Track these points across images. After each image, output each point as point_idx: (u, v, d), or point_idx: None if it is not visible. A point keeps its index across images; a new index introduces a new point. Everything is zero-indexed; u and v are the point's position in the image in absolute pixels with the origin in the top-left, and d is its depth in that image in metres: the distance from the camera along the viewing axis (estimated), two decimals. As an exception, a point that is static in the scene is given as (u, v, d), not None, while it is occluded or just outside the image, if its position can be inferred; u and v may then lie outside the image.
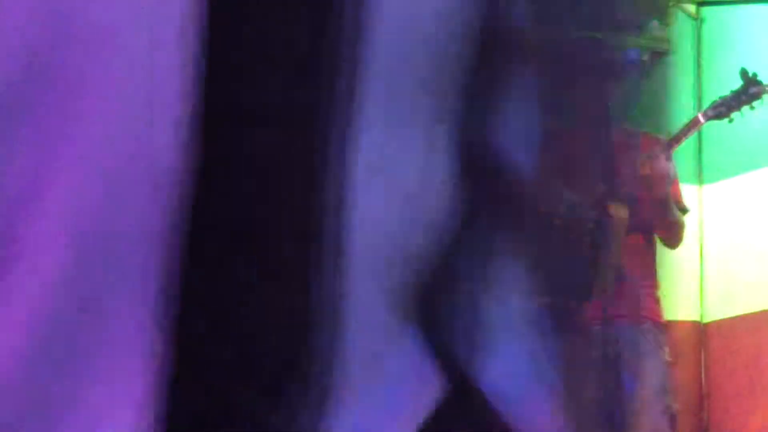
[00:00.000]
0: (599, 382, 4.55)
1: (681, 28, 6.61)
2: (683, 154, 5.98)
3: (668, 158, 4.62)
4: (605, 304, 4.44)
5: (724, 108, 4.83)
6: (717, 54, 6.46)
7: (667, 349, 4.72)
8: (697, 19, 6.63)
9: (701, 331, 6.46)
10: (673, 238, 4.72)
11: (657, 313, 4.75)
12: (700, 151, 6.46)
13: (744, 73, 4.91)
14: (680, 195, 4.74)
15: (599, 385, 4.54)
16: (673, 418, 4.66)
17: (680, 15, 6.60)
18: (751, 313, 6.19)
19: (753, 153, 6.17)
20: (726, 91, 4.97)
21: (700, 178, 6.49)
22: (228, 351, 0.45)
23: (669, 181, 4.58)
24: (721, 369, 6.35)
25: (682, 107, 6.43)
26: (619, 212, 4.29)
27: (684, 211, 4.72)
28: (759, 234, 6.15)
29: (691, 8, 6.62)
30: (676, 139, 4.71)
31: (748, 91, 4.85)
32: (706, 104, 4.98)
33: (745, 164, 6.25)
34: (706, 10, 6.64)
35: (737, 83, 4.89)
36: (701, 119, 4.79)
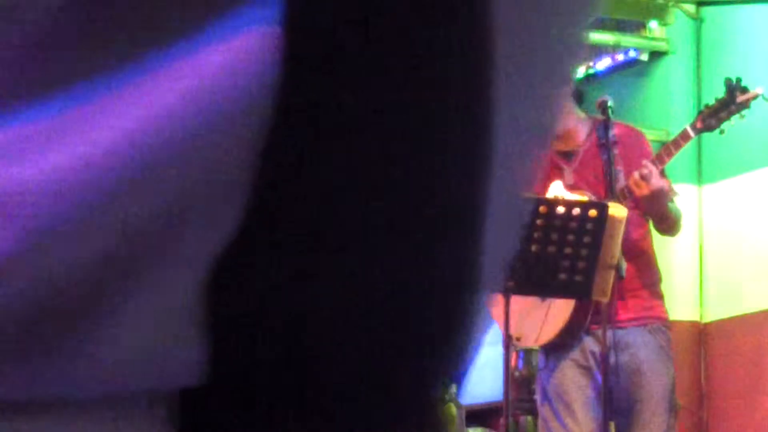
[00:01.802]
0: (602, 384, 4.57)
1: (681, 28, 6.61)
2: (683, 155, 5.99)
3: (662, 173, 4.62)
4: (607, 305, 4.45)
5: (713, 120, 4.82)
6: (717, 54, 6.46)
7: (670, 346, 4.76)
8: (697, 19, 6.63)
9: (701, 331, 6.46)
10: (674, 231, 4.74)
11: (663, 310, 4.77)
12: (700, 151, 6.47)
13: (729, 81, 4.91)
14: (669, 186, 4.74)
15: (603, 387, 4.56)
16: (677, 414, 4.72)
17: (680, 15, 6.61)
18: (751, 313, 6.20)
19: (753, 153, 6.17)
20: (710, 99, 4.97)
21: (700, 178, 6.49)
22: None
23: (665, 195, 4.59)
24: (721, 369, 6.36)
25: (682, 107, 6.44)
26: (618, 212, 4.30)
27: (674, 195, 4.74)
28: (758, 234, 6.16)
29: (691, 8, 6.62)
30: (668, 153, 4.71)
31: (735, 101, 4.84)
32: (705, 103, 4.98)
33: (745, 164, 6.26)
34: (706, 10, 6.64)
35: (723, 92, 4.89)
36: (690, 132, 4.78)
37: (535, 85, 0.44)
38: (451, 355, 0.43)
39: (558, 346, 4.63)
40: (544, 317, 4.60)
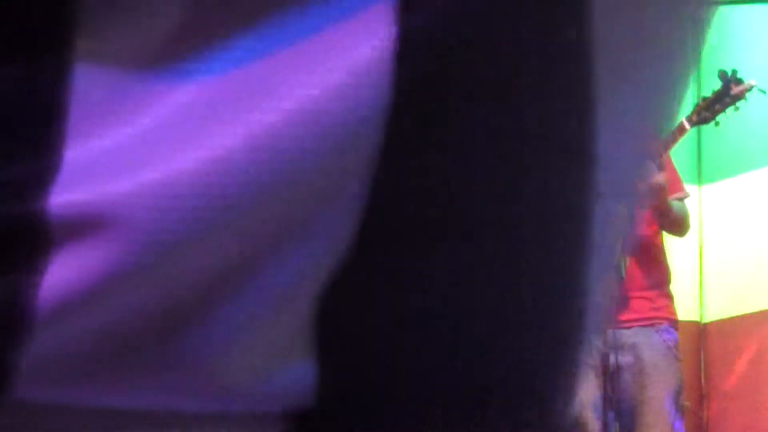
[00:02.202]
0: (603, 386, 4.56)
1: (681, 28, 6.61)
2: (683, 155, 5.99)
3: (660, 167, 4.61)
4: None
5: (708, 113, 4.82)
6: (717, 54, 6.46)
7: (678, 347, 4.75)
8: (697, 19, 6.63)
9: (701, 331, 6.46)
10: (679, 231, 4.73)
11: (671, 311, 4.75)
12: (699, 151, 6.47)
13: (723, 74, 4.90)
14: (680, 185, 4.73)
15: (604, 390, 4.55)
16: (684, 415, 4.71)
17: (680, 15, 6.61)
18: (751, 313, 6.20)
19: (753, 153, 6.17)
20: (708, 93, 4.97)
21: (700, 178, 6.49)
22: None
23: (664, 190, 4.58)
24: (721, 369, 6.35)
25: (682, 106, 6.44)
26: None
27: (685, 197, 4.72)
28: (758, 234, 6.16)
29: (691, 8, 6.63)
30: (665, 146, 4.70)
31: (730, 92, 4.83)
32: (705, 104, 4.98)
33: (744, 164, 6.25)
34: (706, 10, 6.64)
35: (718, 84, 4.88)
36: (686, 125, 4.78)
37: (642, 99, 0.43)
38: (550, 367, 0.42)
39: None
40: None
